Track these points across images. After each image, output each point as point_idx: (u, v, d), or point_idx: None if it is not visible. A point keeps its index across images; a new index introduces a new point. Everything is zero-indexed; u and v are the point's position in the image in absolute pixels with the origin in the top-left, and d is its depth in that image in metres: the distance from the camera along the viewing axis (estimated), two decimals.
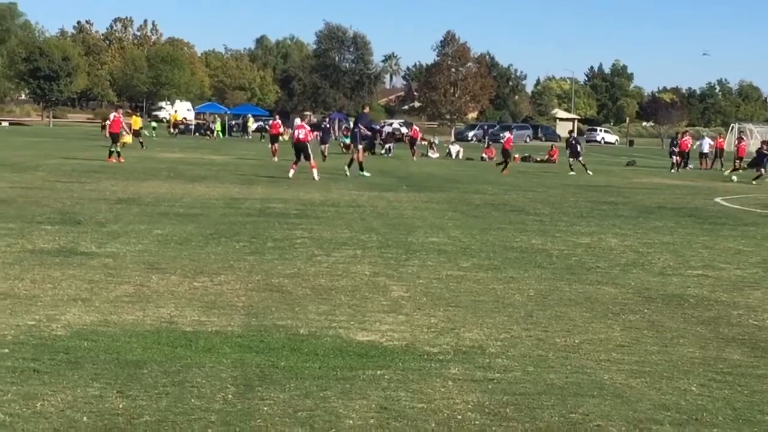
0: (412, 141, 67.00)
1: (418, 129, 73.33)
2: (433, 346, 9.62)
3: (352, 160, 38.53)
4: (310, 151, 35.47)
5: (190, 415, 7.12)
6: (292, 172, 34.91)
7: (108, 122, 46.72)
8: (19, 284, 12.08)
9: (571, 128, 64.05)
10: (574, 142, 52.53)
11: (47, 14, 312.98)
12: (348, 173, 37.41)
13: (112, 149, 43.69)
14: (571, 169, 49.62)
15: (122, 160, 42.35)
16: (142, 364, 8.47)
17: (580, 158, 50.95)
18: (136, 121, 68.04)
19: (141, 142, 62.15)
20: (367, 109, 42.81)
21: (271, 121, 58.88)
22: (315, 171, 34.73)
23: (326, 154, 51.62)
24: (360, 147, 39.05)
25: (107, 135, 46.49)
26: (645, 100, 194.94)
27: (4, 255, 14.35)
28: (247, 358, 8.84)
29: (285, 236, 17.93)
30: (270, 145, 55.25)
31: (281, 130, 59.73)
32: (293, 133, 36.64)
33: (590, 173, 47.65)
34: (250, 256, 15.27)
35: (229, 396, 7.64)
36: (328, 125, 64.39)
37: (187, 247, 16.04)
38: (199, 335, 9.68)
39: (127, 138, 64.04)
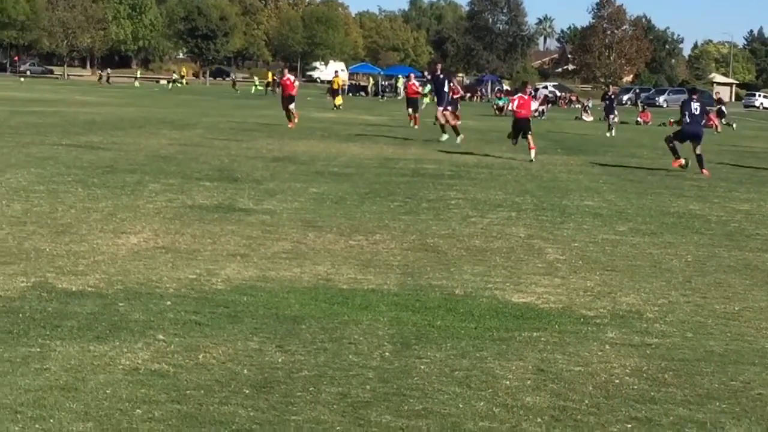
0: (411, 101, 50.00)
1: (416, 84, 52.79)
2: (590, 310, 9.54)
3: (454, 126, 34.32)
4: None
5: (348, 371, 7.19)
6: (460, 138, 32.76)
7: (269, 81, 43.09)
8: (180, 239, 12.32)
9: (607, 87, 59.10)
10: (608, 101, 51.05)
11: None
12: (449, 138, 33.84)
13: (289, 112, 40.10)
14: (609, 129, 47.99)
15: (292, 126, 38.64)
16: (300, 320, 8.58)
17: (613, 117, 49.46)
18: (337, 81, 68.58)
19: (337, 106, 62.11)
20: (439, 67, 38.50)
21: (406, 81, 52.64)
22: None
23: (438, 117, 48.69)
24: (450, 109, 35.13)
25: (276, 91, 43.34)
26: None
27: (165, 210, 14.65)
28: (403, 316, 8.88)
29: (439, 197, 17.95)
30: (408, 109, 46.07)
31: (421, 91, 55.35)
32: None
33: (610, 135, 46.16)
34: (404, 215, 15.33)
35: (386, 353, 7.69)
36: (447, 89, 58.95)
37: (342, 205, 16.17)
38: (355, 293, 9.77)
39: (339, 99, 64.52)
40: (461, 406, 6.56)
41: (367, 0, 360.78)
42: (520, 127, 28.20)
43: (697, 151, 25.78)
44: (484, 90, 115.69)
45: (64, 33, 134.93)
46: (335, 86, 67.63)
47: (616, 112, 50.46)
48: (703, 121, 27.06)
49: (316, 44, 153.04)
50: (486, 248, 12.72)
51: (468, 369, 7.39)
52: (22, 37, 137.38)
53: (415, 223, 14.54)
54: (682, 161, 25.88)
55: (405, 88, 50.35)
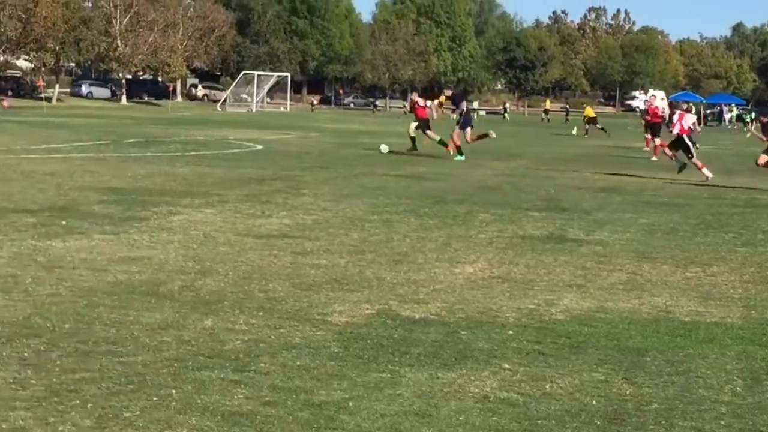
0: (653, 126, 41.65)
1: (659, 108, 42.37)
2: None
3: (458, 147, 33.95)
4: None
5: (700, 405, 7.04)
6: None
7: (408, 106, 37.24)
8: (515, 269, 12.39)
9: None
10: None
11: (524, 5, 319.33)
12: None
13: (436, 138, 35.43)
14: None
15: (450, 150, 34.55)
16: (643, 352, 8.47)
17: None
18: (589, 111, 68.03)
19: (603, 128, 61.59)
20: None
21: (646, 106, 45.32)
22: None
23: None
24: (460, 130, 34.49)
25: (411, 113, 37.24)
26: None
27: (497, 240, 14.78)
28: (751, 350, 8.64)
29: None
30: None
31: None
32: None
33: None
34: (741, 247, 14.91)
35: (737, 389, 7.49)
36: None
37: (674, 236, 15.89)
38: (698, 325, 9.56)
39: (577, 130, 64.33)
40: None
41: (688, 27, 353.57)
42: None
43: None
44: None
45: (386, 66, 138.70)
46: (591, 114, 66.52)
47: None
48: None
49: (635, 73, 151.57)
50: None
51: None
52: (346, 70, 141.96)
53: (752, 255, 14.13)
54: None
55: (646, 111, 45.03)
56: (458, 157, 33.30)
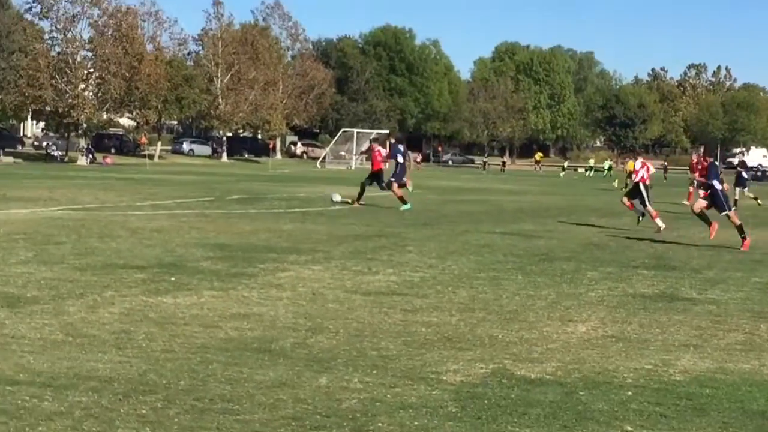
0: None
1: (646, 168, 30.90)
2: None
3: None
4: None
5: None
6: None
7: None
8: (628, 328, 12.18)
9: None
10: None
11: (622, 62, 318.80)
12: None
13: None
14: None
15: (357, 205, 34.57)
16: None
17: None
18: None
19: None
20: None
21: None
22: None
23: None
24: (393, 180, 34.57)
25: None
26: None
27: (608, 298, 14.56)
28: None
29: None
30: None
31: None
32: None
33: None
34: None
35: None
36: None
37: None
38: None
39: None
40: None
41: None
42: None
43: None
44: None
45: (484, 123, 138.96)
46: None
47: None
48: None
49: (736, 130, 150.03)
50: None
51: None
52: (445, 128, 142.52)
53: None
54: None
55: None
56: (404, 207, 33.20)
